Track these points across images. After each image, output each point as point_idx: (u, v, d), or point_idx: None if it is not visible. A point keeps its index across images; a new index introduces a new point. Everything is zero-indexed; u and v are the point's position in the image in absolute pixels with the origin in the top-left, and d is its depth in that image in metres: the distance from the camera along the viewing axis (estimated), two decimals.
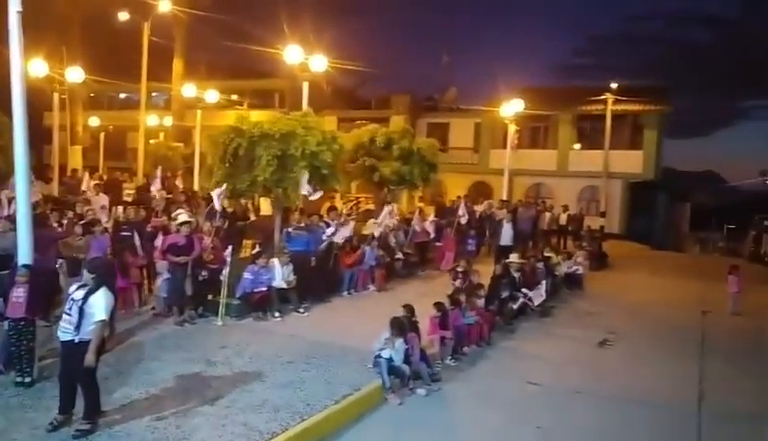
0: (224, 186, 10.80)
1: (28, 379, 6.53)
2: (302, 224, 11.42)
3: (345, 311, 10.74)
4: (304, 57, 15.17)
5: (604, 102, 25.69)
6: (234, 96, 32.67)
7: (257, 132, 10.79)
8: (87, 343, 5.50)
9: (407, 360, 7.30)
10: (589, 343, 9.92)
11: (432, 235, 14.96)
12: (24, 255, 6.91)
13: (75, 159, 27.44)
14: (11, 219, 8.96)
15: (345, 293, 11.73)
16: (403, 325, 7.43)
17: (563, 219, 20.74)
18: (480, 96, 32.84)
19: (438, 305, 8.49)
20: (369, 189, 14.58)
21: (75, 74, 20.41)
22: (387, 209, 13.30)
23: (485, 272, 11.33)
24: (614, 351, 9.65)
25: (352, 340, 8.73)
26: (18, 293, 6.50)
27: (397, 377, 7.16)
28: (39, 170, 18.31)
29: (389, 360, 7.08)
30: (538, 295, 10.90)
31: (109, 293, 5.72)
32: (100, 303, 5.55)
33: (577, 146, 28.03)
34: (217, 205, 10.78)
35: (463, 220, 15.71)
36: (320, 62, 15.60)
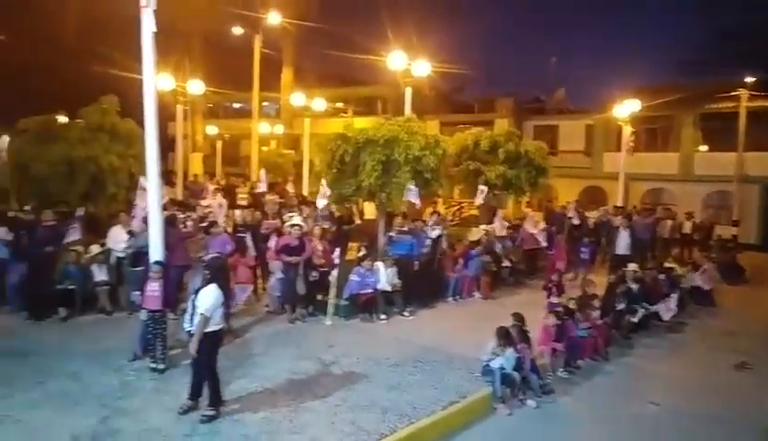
0: (324, 187, 11.17)
1: (161, 366, 7.12)
2: (405, 228, 11.49)
3: (450, 317, 10.65)
4: (407, 63, 15.31)
5: (736, 99, 23.29)
6: (340, 104, 33.67)
7: (362, 139, 11.03)
8: (214, 330, 5.97)
9: (517, 369, 7.09)
10: (722, 365, 8.96)
11: (543, 244, 14.26)
12: (156, 253, 7.53)
13: (196, 165, 29.62)
14: (145, 220, 9.80)
15: (450, 299, 11.63)
16: (509, 334, 7.23)
17: (687, 227, 19.05)
18: (592, 96, 31.35)
19: (554, 314, 8.18)
20: (473, 194, 14.31)
21: (197, 87, 21.98)
22: (500, 213, 13.05)
23: (600, 283, 10.73)
24: (753, 376, 8.64)
25: (457, 346, 8.65)
26: (154, 287, 7.11)
27: (507, 386, 6.97)
28: (165, 175, 19.88)
29: (502, 369, 6.91)
30: (667, 309, 10.14)
31: (218, 291, 5.99)
32: (205, 299, 5.92)
33: (703, 148, 25.78)
34: (320, 204, 11.22)
35: (575, 222, 15.01)
36: (423, 68, 15.66)
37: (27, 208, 10.87)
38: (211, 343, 6.04)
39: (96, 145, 11.59)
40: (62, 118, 12.41)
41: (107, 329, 8.86)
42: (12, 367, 7.15)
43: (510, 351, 7.04)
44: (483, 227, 13.27)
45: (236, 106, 40.95)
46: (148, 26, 7.50)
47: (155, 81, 7.74)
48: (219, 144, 32.17)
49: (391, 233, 11.20)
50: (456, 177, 15.12)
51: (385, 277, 10.21)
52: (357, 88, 34.74)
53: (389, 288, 10.20)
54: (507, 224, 14.15)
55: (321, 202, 11.39)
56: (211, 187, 18.62)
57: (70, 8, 25.40)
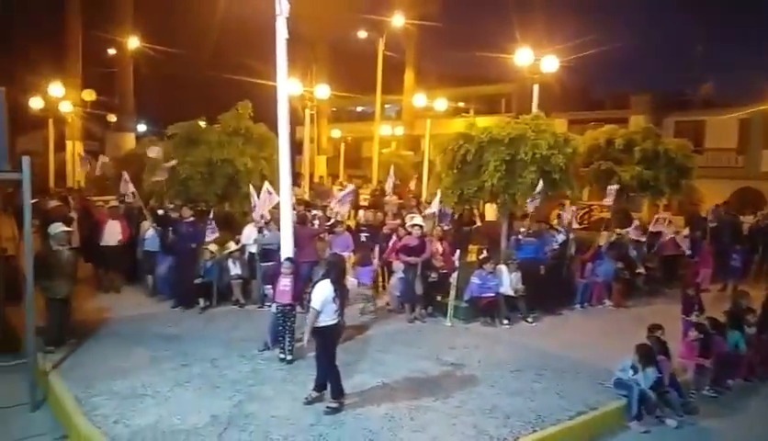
0: (439, 192, 11.11)
1: (289, 357, 7.48)
2: (531, 230, 11.05)
3: (577, 325, 10.08)
4: (534, 58, 14.80)
5: None
6: (461, 104, 33.42)
7: (486, 137, 10.78)
8: (318, 326, 6.12)
9: (655, 389, 6.50)
10: None
11: (686, 251, 12.91)
12: (287, 250, 7.91)
13: (321, 167, 30.92)
14: (275, 218, 10.35)
15: (578, 306, 10.98)
16: (652, 353, 6.64)
17: None
18: (747, 88, 28.12)
19: (699, 326, 7.43)
20: (603, 196, 13.41)
21: (323, 91, 22.98)
22: (636, 217, 12.08)
23: (756, 296, 9.51)
24: None
25: (584, 355, 8.17)
26: (285, 282, 7.49)
27: (643, 404, 6.42)
28: (293, 177, 20.97)
29: (638, 385, 6.39)
30: None
31: (329, 286, 6.11)
32: (316, 293, 6.12)
33: None
34: (435, 207, 11.16)
35: (712, 225, 13.55)
36: (551, 63, 15.04)
37: (170, 206, 11.92)
38: (323, 336, 6.20)
39: (231, 148, 12.43)
40: (203, 123, 13.46)
41: (239, 319, 9.47)
42: (162, 351, 7.88)
43: (651, 370, 6.47)
44: (616, 231, 12.38)
45: (358, 109, 42.22)
46: (282, 33, 7.88)
47: (287, 86, 8.14)
48: (341, 147, 33.35)
49: (519, 236, 10.77)
50: (585, 178, 14.30)
51: (508, 280, 9.90)
52: (479, 87, 34.28)
53: (512, 293, 9.87)
54: (642, 228, 13.06)
55: (433, 208, 11.31)
56: (335, 188, 19.32)
57: (209, 20, 27.70)
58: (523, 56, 14.72)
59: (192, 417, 5.96)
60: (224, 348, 8.00)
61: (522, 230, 10.96)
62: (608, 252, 11.49)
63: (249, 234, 10.59)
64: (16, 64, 26.18)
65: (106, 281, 11.12)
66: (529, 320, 9.88)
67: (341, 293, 6.24)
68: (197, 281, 9.99)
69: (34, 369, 6.59)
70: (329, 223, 11.54)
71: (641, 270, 12.03)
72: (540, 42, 16.22)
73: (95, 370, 7.13)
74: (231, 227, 11.63)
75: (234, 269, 10.34)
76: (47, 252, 7.67)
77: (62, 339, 7.82)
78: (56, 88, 24.50)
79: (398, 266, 9.94)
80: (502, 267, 10.06)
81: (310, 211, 13.62)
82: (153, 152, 12.04)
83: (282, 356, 7.52)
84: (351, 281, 6.69)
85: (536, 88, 14.58)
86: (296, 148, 24.97)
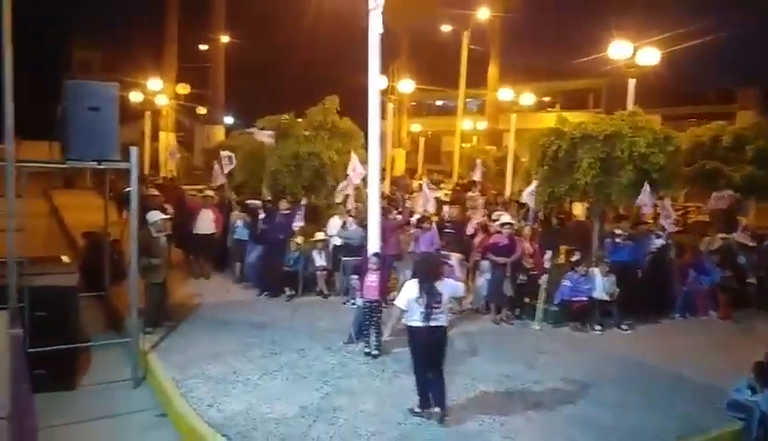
0: (533, 185, 10.67)
1: (374, 352, 7.44)
2: (626, 233, 10.42)
3: (676, 336, 9.40)
4: (631, 51, 13.94)
5: None
6: (545, 98, 32.36)
7: (578, 134, 10.29)
8: (409, 326, 5.86)
9: None
10: None
11: None
12: (374, 244, 7.87)
13: (399, 161, 30.96)
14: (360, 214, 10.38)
15: (677, 316, 10.21)
16: None
17: None
18: None
19: None
20: (706, 197, 12.45)
21: (407, 86, 22.90)
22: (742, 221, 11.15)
23: None
24: None
25: (686, 370, 7.60)
26: (372, 278, 7.47)
27: (763, 426, 5.85)
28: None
29: (759, 405, 5.82)
30: None
31: (414, 285, 5.79)
32: (402, 291, 5.99)
33: None
34: (529, 201, 10.76)
35: None
36: (650, 56, 14.11)
37: (261, 198, 12.23)
38: (410, 337, 5.92)
39: (318, 142, 12.62)
40: (289, 117, 13.72)
41: (323, 311, 9.56)
42: (252, 338, 8.07)
43: None
44: (720, 235, 11.44)
45: (438, 103, 41.89)
46: (375, 27, 7.83)
47: (379, 81, 8.10)
48: (421, 141, 33.24)
49: (617, 239, 10.16)
50: (686, 178, 13.34)
51: (601, 285, 9.39)
52: (565, 82, 33.06)
53: (606, 298, 9.36)
54: (750, 231, 12.00)
55: (528, 199, 10.93)
56: (414, 183, 19.21)
57: (298, 17, 28.38)
58: (619, 49, 13.89)
59: (281, 406, 6.05)
60: (310, 339, 8.09)
61: (618, 232, 10.34)
62: (712, 257, 10.65)
63: (334, 226, 10.69)
64: (120, 60, 28.00)
65: (196, 267, 11.58)
66: (623, 327, 9.33)
67: (429, 294, 5.76)
68: (285, 270, 10.18)
69: (136, 349, 6.93)
70: (413, 218, 11.43)
71: (752, 280, 11.00)
72: (634, 33, 15.28)
73: (189, 353, 7.41)
74: (316, 219, 11.79)
75: (319, 260, 10.47)
76: (147, 238, 8.05)
77: (158, 321, 8.20)
78: (155, 82, 25.94)
79: (485, 266, 9.66)
80: (595, 270, 9.56)
81: (393, 204, 13.61)
82: (264, 136, 12.37)
83: (367, 350, 7.49)
84: (453, 284, 6.21)
85: (632, 83, 13.75)
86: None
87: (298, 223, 10.44)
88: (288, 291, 10.17)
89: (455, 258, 9.73)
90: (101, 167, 6.90)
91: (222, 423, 5.68)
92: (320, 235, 10.59)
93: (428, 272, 5.94)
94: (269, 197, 12.03)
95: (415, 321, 5.80)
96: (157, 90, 26.21)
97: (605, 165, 10.04)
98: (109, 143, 6.67)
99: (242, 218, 11.22)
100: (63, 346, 6.43)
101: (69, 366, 6.70)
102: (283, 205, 10.76)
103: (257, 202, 11.57)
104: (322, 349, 7.72)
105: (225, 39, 26.80)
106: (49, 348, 6.14)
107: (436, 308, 5.73)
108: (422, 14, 29.24)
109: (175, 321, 8.61)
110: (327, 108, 13.01)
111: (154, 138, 28.08)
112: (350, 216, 10.61)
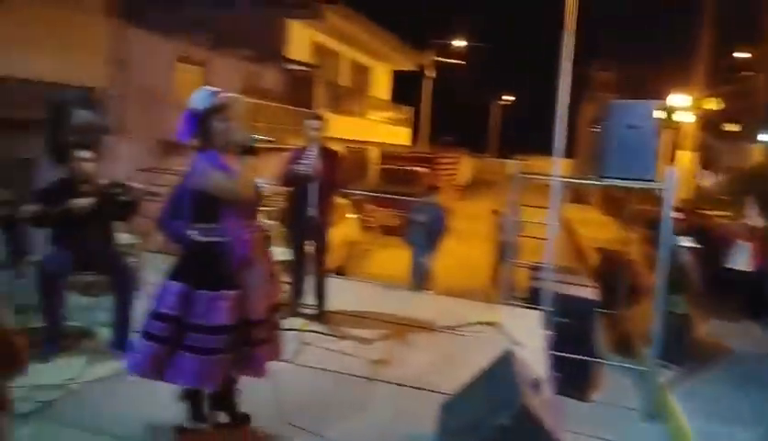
0: None
1: None
2: None
3: None
4: None
5: None
6: None
7: None
8: None
9: None
10: None
11: None
12: None
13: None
14: None
15: None
16: None
17: None
18: None
19: None
20: None
21: None
22: None
23: None
24: None
25: None
26: None
27: None
28: None
29: None
30: None
31: None
32: None
33: None
34: None
35: None
36: None
37: None
38: None
39: None
40: None
41: None
42: None
43: None
44: None
45: None
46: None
47: None
48: None
49: None
50: None
51: None
52: None
53: None
54: None
55: None
56: None
57: None
58: None
59: None
60: None
61: None
62: None
63: None
64: (646, 73, 27.75)
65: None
66: None
67: None
68: None
69: (653, 381, 6.50)
70: None
71: None
72: None
73: (717, 406, 6.47)
74: None
75: None
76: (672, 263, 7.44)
77: (679, 357, 7.50)
78: (679, 98, 24.63)
79: None
80: None
81: None
82: None
83: None
84: None
85: None
86: None
87: None
88: None
89: None
90: (635, 186, 6.77)
91: None
92: None
93: None
94: None
95: None
96: (679, 106, 24.77)
97: None
98: (647, 163, 6.48)
99: None
100: (585, 357, 6.59)
101: (586, 377, 6.85)
102: None
103: None
104: None
105: None
106: (570, 355, 6.37)
107: None
108: None
109: (698, 361, 7.70)
110: None
111: (670, 157, 26.73)
112: None
